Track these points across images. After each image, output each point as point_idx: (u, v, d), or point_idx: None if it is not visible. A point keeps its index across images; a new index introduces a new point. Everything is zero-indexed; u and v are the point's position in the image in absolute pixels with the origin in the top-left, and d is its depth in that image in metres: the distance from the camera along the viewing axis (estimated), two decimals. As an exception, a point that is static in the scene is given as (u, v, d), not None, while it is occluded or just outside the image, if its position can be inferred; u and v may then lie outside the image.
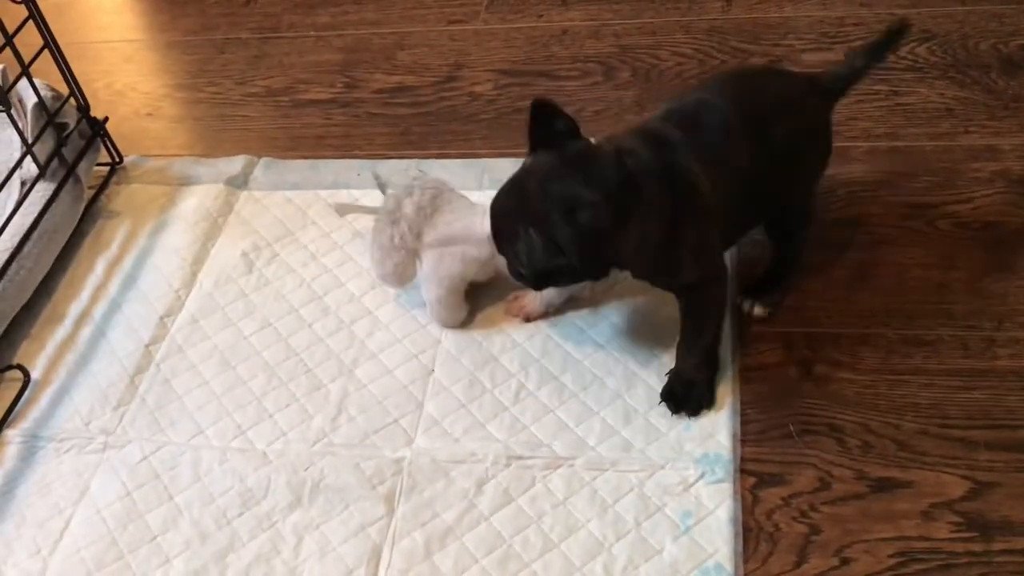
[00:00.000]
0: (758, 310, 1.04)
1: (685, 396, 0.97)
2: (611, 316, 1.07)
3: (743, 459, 0.93)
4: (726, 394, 0.98)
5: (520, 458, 0.95)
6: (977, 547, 0.84)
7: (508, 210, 0.93)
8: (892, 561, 0.85)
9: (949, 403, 0.95)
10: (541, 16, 1.52)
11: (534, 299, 1.07)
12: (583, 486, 0.93)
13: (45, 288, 1.19)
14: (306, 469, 0.97)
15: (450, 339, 1.07)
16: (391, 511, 0.93)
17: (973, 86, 1.27)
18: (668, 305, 1.06)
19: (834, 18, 1.41)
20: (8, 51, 1.13)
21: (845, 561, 0.85)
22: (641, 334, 1.05)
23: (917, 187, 1.16)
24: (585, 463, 0.94)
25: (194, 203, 1.28)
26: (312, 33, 1.57)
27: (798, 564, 0.85)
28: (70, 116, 1.26)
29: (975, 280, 1.05)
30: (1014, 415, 0.93)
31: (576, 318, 1.07)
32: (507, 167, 1.24)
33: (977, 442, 0.91)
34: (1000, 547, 0.84)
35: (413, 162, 1.29)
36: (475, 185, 1.24)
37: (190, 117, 1.48)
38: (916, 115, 1.25)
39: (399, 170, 1.23)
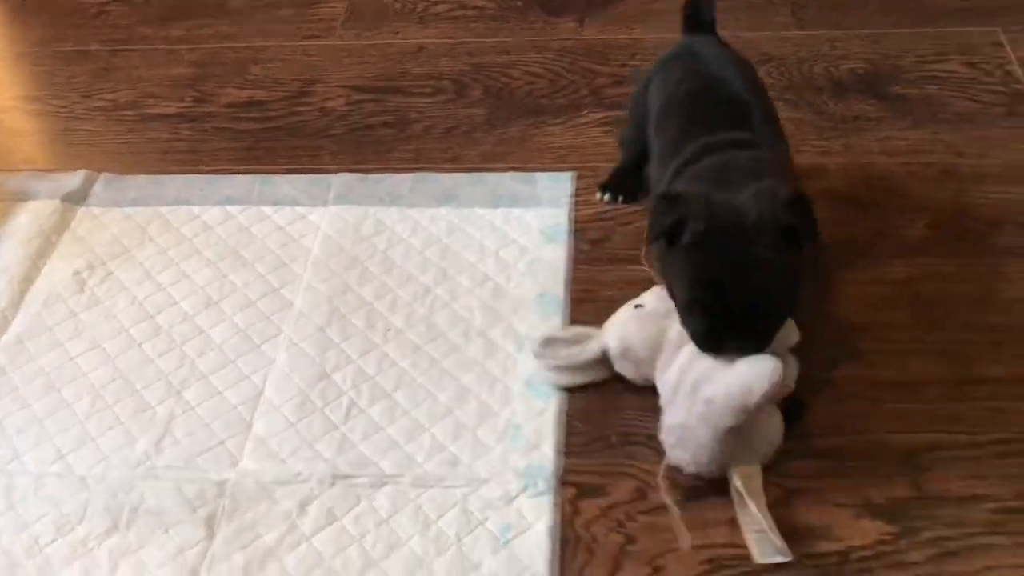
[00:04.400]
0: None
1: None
2: (447, 333, 1.08)
3: (566, 471, 0.95)
4: (551, 407, 0.99)
5: (346, 477, 0.95)
6: (781, 552, 0.88)
7: None
8: (701, 568, 0.87)
9: (764, 413, 0.98)
10: (397, 33, 1.52)
11: None
12: (408, 503, 0.93)
13: None
14: (126, 493, 0.94)
15: (283, 358, 1.06)
16: (211, 534, 0.91)
17: (805, 108, 1.33)
18: (503, 320, 1.08)
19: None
20: None
21: (657, 570, 0.87)
22: (477, 348, 1.06)
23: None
24: (411, 480, 0.94)
25: (27, 220, 1.24)
26: (164, 46, 1.54)
27: (612, 574, 0.87)
28: None
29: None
30: (825, 424, 0.96)
31: (413, 335, 1.08)
32: (354, 183, 1.27)
33: (787, 451, 0.94)
34: (801, 551, 0.87)
35: (258, 178, 1.27)
36: (320, 201, 1.24)
37: (34, 130, 1.43)
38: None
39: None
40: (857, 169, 1.22)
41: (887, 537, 0.88)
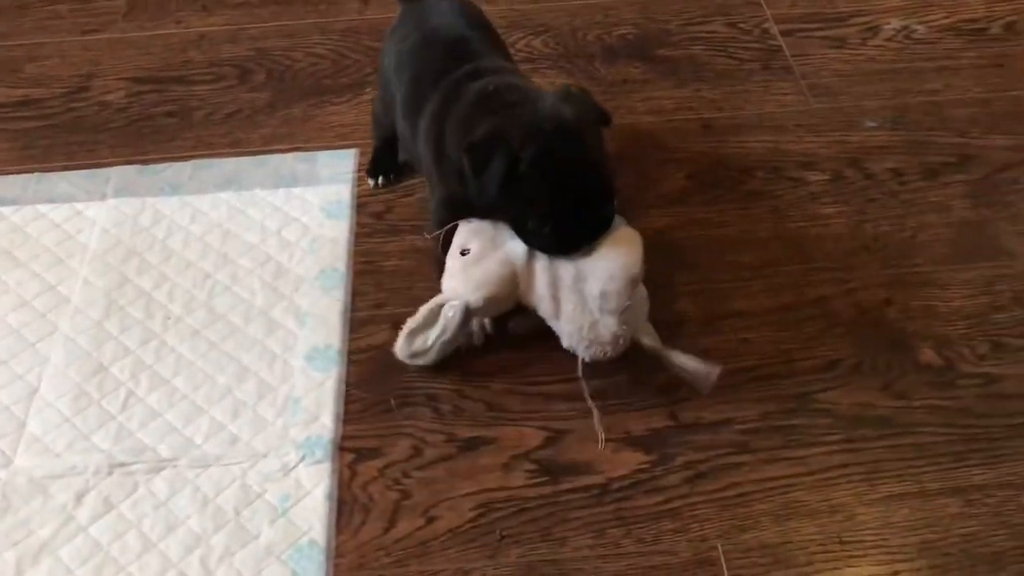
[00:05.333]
0: None
1: None
2: (227, 315, 1.08)
3: (344, 437, 0.97)
4: (331, 378, 1.02)
5: (123, 465, 0.95)
6: (547, 490, 0.93)
7: None
8: (473, 514, 0.91)
9: (534, 362, 1.03)
10: (179, 23, 1.50)
11: None
12: (186, 484, 0.93)
13: None
14: None
15: (59, 354, 1.05)
16: (-19, 536, 0.90)
17: (579, 74, 1.39)
18: (285, 299, 1.09)
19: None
20: None
21: (431, 520, 0.91)
22: (258, 328, 1.07)
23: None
24: (189, 462, 0.95)
25: None
26: (-70, 48, 1.48)
27: (387, 529, 0.90)
28: None
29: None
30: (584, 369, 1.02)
31: (192, 321, 1.08)
32: (133, 175, 1.25)
33: (554, 395, 1.00)
34: (566, 487, 0.93)
35: (33, 176, 1.24)
36: (98, 196, 1.22)
37: None
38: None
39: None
40: (625, 128, 1.29)
41: (645, 465, 0.95)
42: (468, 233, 1.01)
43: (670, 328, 1.05)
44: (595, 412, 0.96)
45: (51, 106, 1.37)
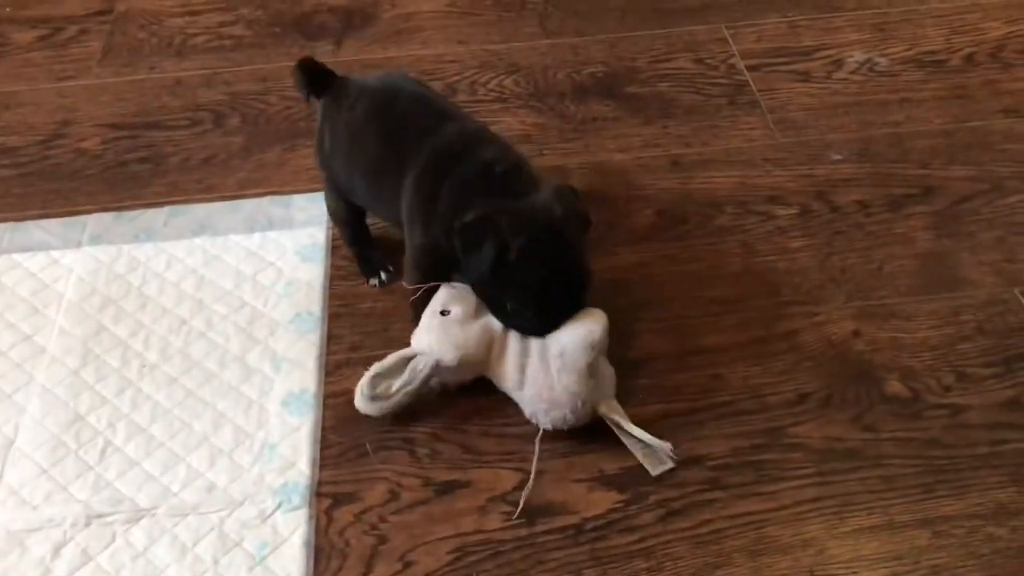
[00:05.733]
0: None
1: None
2: (203, 362, 1.09)
3: (321, 483, 0.98)
4: (307, 423, 1.03)
5: (101, 516, 0.95)
6: (523, 532, 0.94)
7: None
8: (450, 557, 0.92)
9: (509, 403, 1.04)
10: (154, 68, 1.52)
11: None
12: (164, 534, 0.94)
13: None
14: None
15: (36, 405, 1.05)
16: (-43, 593, 0.90)
17: (549, 112, 1.41)
18: (260, 343, 1.10)
19: (432, 55, 1.51)
20: None
21: (408, 565, 0.92)
22: (233, 374, 1.07)
23: (496, 208, 1.27)
24: (167, 511, 0.96)
25: None
26: (-94, 99, 1.49)
27: (365, 575, 0.91)
28: None
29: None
30: (563, 407, 1.04)
31: (168, 368, 1.08)
32: (109, 222, 1.26)
33: (530, 435, 1.01)
34: (542, 528, 0.94)
35: (9, 226, 1.25)
36: (74, 243, 1.23)
37: None
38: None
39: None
40: (594, 167, 1.31)
41: (619, 504, 0.96)
42: (449, 298, 1.04)
43: (640, 365, 1.07)
44: (533, 466, 0.96)
45: (27, 154, 1.38)
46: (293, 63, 1.16)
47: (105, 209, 1.28)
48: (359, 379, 1.05)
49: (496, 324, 1.02)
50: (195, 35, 1.58)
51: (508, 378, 1.01)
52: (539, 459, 0.97)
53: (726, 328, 1.11)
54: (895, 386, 1.05)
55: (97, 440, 1.02)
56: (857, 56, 1.48)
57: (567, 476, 0.98)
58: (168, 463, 1.00)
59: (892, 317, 1.11)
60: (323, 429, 1.03)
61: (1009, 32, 1.50)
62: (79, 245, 1.23)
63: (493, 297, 1.01)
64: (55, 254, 1.22)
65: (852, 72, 1.45)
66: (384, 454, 1.01)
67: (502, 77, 1.48)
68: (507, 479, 0.98)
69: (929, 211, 1.24)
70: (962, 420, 1.02)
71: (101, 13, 1.64)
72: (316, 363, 1.08)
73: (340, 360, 1.09)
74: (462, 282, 1.04)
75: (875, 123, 1.37)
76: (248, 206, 1.27)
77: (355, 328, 1.13)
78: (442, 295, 1.05)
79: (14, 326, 1.14)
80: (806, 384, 1.05)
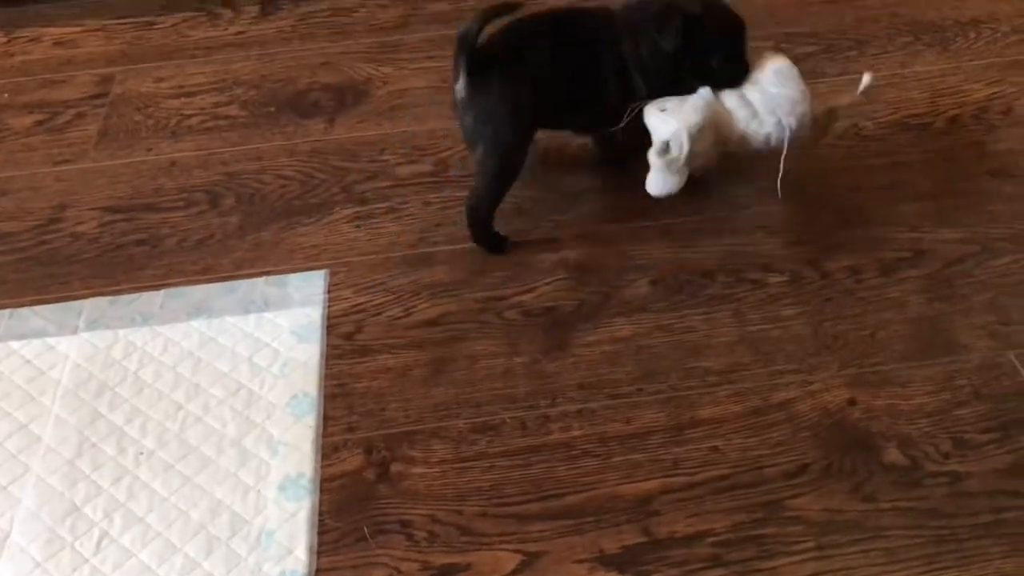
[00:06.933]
0: None
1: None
2: (200, 447, 1.09)
3: (319, 570, 0.97)
4: (304, 508, 1.02)
5: (96, 610, 0.94)
6: (523, 616, 0.93)
7: None
8: (449, 643, 0.91)
9: (507, 482, 1.04)
10: (150, 150, 1.54)
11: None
12: (160, 627, 0.93)
13: None
14: None
15: (31, 496, 1.05)
16: None
17: (537, 184, 1.42)
18: (257, 427, 1.10)
19: (425, 131, 1.53)
20: None
21: (407, 653, 0.91)
22: (230, 459, 1.07)
23: (490, 282, 1.27)
24: (163, 603, 0.95)
25: None
26: (-97, 186, 1.50)
27: (364, 665, 0.90)
28: None
29: (535, 363, 1.17)
30: (561, 484, 1.04)
31: (165, 454, 1.08)
32: (105, 306, 1.27)
33: (527, 516, 1.00)
34: (542, 613, 0.93)
35: (5, 312, 1.25)
36: (70, 329, 1.23)
37: None
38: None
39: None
40: (586, 237, 1.32)
41: (620, 585, 0.95)
42: (658, 120, 1.22)
43: (637, 439, 1.07)
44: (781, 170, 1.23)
45: (23, 239, 1.39)
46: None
47: (101, 293, 1.29)
48: (355, 461, 1.05)
49: (705, 94, 1.24)
50: (190, 116, 1.60)
51: (741, 120, 1.23)
52: (529, 542, 0.98)
53: (722, 399, 1.11)
54: (893, 454, 1.04)
55: (93, 531, 1.01)
56: (843, 121, 1.49)
57: (567, 557, 0.97)
58: (165, 553, 0.99)
59: (887, 384, 1.12)
60: (320, 513, 1.02)
61: (991, 94, 1.53)
62: (75, 330, 1.23)
63: (696, 70, 1.25)
64: (51, 340, 1.22)
65: (839, 137, 1.47)
66: (382, 538, 1.00)
67: (493, 150, 1.49)
68: (506, 561, 0.97)
69: (920, 275, 1.24)
70: (962, 488, 1.01)
71: (97, 96, 1.66)
72: (312, 446, 1.08)
73: (337, 442, 1.09)
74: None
75: (863, 187, 1.38)
76: (244, 286, 1.28)
77: (351, 409, 1.13)
78: (651, 108, 1.23)
79: (10, 415, 1.13)
80: (804, 455, 1.05)
